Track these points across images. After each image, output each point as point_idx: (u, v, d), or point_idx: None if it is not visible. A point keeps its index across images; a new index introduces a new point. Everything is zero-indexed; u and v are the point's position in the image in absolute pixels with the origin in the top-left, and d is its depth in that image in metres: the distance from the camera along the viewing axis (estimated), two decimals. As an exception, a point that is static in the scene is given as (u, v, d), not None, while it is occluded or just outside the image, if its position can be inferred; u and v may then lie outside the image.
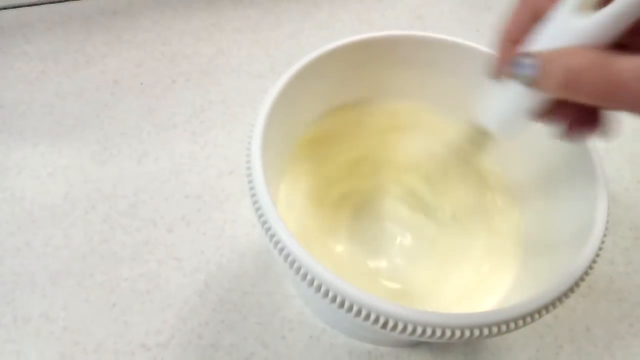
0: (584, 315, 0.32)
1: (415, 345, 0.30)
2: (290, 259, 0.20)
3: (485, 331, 0.20)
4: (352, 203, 0.31)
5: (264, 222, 0.21)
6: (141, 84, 0.42)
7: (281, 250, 0.21)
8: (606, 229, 0.22)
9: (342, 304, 0.19)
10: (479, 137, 0.24)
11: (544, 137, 0.24)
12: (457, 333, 0.19)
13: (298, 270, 0.20)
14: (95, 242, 0.33)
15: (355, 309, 0.19)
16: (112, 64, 0.43)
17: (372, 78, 0.32)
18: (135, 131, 0.39)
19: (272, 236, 0.21)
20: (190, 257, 0.32)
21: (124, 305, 0.30)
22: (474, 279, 0.28)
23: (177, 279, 0.31)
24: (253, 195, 0.22)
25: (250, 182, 0.23)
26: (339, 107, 0.32)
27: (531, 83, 0.18)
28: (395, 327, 0.19)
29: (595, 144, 0.25)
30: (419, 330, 0.19)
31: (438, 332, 0.19)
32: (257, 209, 0.22)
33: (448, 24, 0.49)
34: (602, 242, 0.22)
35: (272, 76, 0.43)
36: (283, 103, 0.26)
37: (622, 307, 0.33)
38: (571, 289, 0.21)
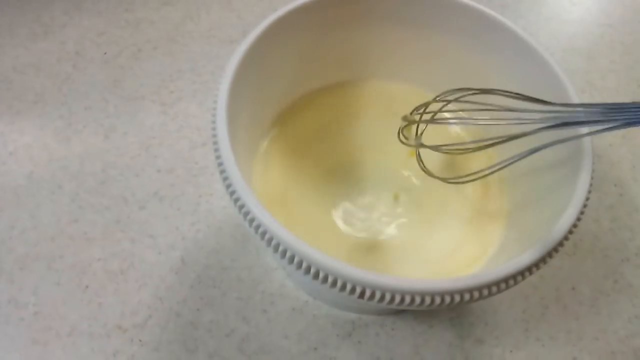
0: (569, 274, 0.32)
1: (400, 312, 0.30)
2: (261, 229, 0.19)
3: (467, 296, 0.19)
4: (334, 174, 0.30)
5: (229, 187, 0.20)
6: (105, 54, 0.39)
7: (251, 220, 0.19)
8: (590, 185, 0.22)
9: (317, 275, 0.19)
10: None
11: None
12: (437, 299, 0.18)
13: (270, 241, 0.19)
14: (63, 222, 0.31)
15: (330, 279, 0.18)
16: (73, 34, 0.40)
17: (354, 43, 0.30)
18: (101, 104, 0.36)
19: (241, 206, 0.20)
20: (164, 234, 0.31)
21: (97, 286, 0.29)
22: (456, 240, 0.28)
23: (152, 257, 0.30)
24: (218, 157, 0.21)
25: (215, 143, 0.21)
26: (322, 88, 0.31)
27: None
28: (372, 296, 0.18)
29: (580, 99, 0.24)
30: (397, 298, 0.18)
31: (417, 299, 0.18)
32: (222, 172, 0.21)
33: None
34: (587, 199, 0.21)
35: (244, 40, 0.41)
36: (252, 65, 0.25)
37: (607, 264, 0.32)
38: (555, 249, 0.20)
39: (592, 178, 0.22)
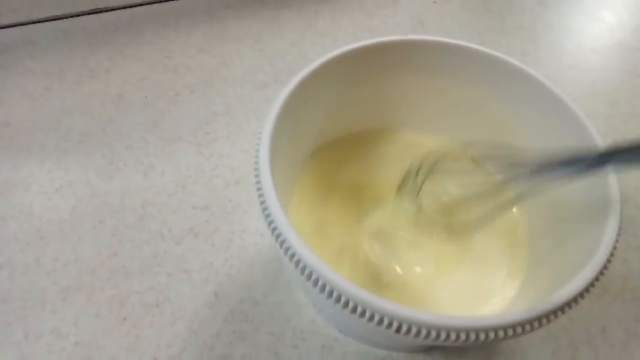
0: (599, 316, 0.32)
1: (429, 350, 0.30)
2: (301, 265, 0.20)
3: (501, 333, 0.19)
4: (363, 210, 0.31)
5: (271, 222, 0.21)
6: (145, 97, 0.42)
7: (292, 255, 0.20)
8: (620, 225, 0.22)
9: (355, 310, 0.19)
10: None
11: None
12: (472, 336, 0.19)
13: (309, 276, 0.20)
14: (104, 256, 0.33)
15: (368, 314, 0.19)
16: (116, 79, 0.43)
17: (384, 92, 0.32)
18: (141, 144, 0.39)
19: (279, 237, 0.21)
20: (199, 269, 0.32)
21: (135, 319, 0.30)
22: (477, 283, 0.28)
23: (186, 291, 0.31)
24: (260, 196, 0.22)
25: (258, 182, 0.23)
26: (352, 134, 0.33)
27: None
28: (409, 330, 0.19)
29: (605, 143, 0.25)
30: (433, 333, 0.19)
31: (452, 336, 0.19)
32: (264, 209, 0.22)
33: (449, 29, 0.49)
34: (616, 241, 0.22)
35: (276, 86, 0.43)
36: (290, 109, 0.26)
37: (638, 306, 0.32)
38: (587, 288, 0.21)
39: (620, 219, 0.22)
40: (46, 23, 0.47)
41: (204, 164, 0.38)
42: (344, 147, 0.33)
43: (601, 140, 0.25)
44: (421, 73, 0.31)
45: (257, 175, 0.23)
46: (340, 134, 0.33)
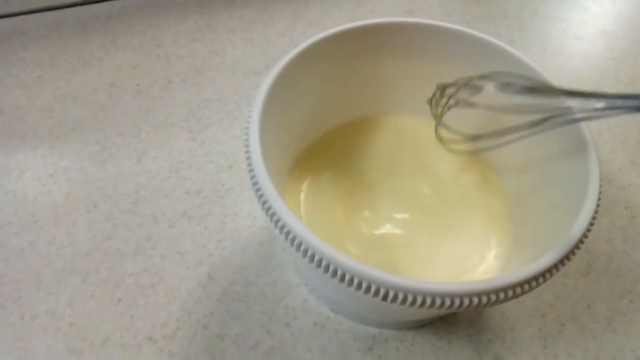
0: (584, 294, 0.33)
1: (419, 327, 0.30)
2: (291, 235, 0.21)
3: (484, 299, 0.20)
4: (356, 192, 0.32)
5: (258, 189, 0.22)
6: (138, 85, 0.42)
7: (282, 228, 0.21)
8: (599, 197, 0.23)
9: (343, 278, 0.20)
10: None
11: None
12: (457, 301, 0.20)
13: (299, 246, 0.21)
14: (98, 239, 0.33)
15: (356, 281, 0.20)
16: (109, 67, 0.43)
17: (374, 77, 0.32)
18: (134, 131, 0.39)
19: (269, 210, 0.21)
20: (192, 251, 0.33)
21: (129, 299, 0.31)
22: (464, 252, 0.29)
23: (180, 272, 0.32)
24: (251, 171, 0.23)
25: (248, 158, 0.23)
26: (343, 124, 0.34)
27: None
28: (395, 297, 0.19)
29: (589, 125, 0.26)
30: (419, 299, 0.19)
31: (438, 301, 0.19)
32: (255, 184, 0.22)
33: (437, 17, 0.49)
34: (597, 205, 0.23)
35: (267, 73, 0.43)
36: (280, 88, 0.27)
37: (622, 284, 0.33)
38: (572, 252, 0.21)
39: (600, 190, 0.23)
40: (38, 14, 0.48)
41: (197, 149, 0.38)
42: (336, 136, 0.34)
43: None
44: (412, 56, 0.32)
45: (246, 139, 0.23)
46: (331, 123, 0.34)
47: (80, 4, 0.49)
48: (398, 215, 0.31)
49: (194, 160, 0.37)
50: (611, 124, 0.42)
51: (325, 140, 0.33)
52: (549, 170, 0.27)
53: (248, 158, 0.23)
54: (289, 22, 0.49)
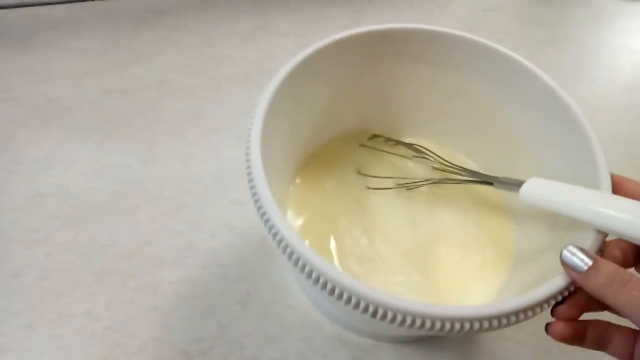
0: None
1: (414, 342, 0.30)
2: (288, 250, 0.20)
3: (476, 325, 0.19)
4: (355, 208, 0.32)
5: (257, 201, 0.22)
6: (186, 85, 0.42)
7: (280, 241, 0.21)
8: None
9: (332, 291, 0.20)
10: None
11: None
12: (447, 325, 0.19)
13: (297, 261, 0.20)
14: (139, 242, 0.33)
15: (353, 300, 0.19)
16: (159, 63, 0.43)
17: (382, 81, 0.32)
18: (181, 132, 0.39)
19: (267, 221, 0.21)
20: (232, 264, 0.32)
21: (166, 309, 0.30)
22: (460, 281, 0.29)
23: (219, 286, 0.31)
24: (249, 174, 0.23)
25: (248, 167, 0.23)
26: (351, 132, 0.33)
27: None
28: (384, 316, 0.19)
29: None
30: (409, 320, 0.19)
31: (428, 323, 0.19)
32: (252, 187, 0.23)
33: (498, 38, 0.48)
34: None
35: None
36: (285, 99, 0.26)
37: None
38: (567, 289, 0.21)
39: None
40: (93, 2, 0.47)
41: (244, 158, 0.37)
42: (334, 151, 0.33)
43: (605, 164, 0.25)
44: (423, 64, 0.31)
45: (247, 147, 0.24)
46: (330, 135, 0.33)
47: (136, -5, 0.48)
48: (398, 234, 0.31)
49: (239, 169, 0.36)
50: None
51: (331, 147, 0.33)
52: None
53: (248, 167, 0.24)
54: (343, 28, 0.48)
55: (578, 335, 0.22)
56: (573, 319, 0.22)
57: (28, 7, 0.46)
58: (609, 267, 0.20)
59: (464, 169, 0.32)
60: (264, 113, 0.25)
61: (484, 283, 0.29)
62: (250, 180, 0.23)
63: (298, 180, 0.32)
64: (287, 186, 0.31)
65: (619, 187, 0.23)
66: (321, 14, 0.49)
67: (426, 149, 0.33)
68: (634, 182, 0.23)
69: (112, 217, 0.34)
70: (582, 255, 0.20)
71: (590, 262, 0.20)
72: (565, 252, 0.21)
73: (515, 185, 0.27)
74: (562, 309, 0.22)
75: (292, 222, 0.30)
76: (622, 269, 0.20)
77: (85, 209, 0.34)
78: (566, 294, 0.21)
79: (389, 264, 0.29)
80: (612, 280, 0.19)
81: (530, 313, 0.20)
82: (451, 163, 0.32)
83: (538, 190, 0.26)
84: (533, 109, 0.29)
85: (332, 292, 0.20)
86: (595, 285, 0.20)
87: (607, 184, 0.23)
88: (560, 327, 0.22)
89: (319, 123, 0.32)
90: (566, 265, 0.21)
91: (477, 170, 0.32)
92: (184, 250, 0.33)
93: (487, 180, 0.30)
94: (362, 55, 0.30)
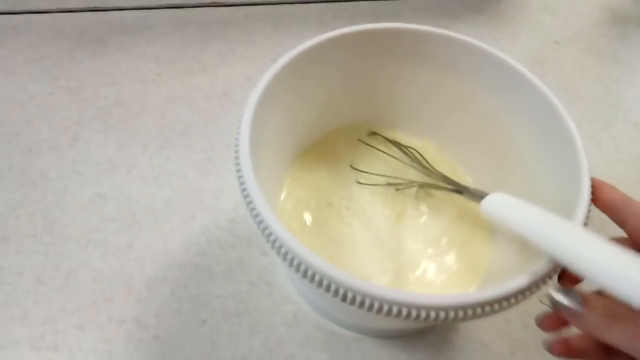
0: None
1: (394, 337, 0.30)
2: (266, 231, 0.22)
3: (460, 313, 0.20)
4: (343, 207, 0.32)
5: (246, 196, 0.23)
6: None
7: (268, 235, 0.22)
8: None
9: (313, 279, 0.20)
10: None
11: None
12: (432, 314, 0.19)
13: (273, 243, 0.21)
14: (191, 252, 0.33)
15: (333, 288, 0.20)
16: (224, 75, 0.44)
17: (379, 78, 0.32)
18: (240, 145, 0.39)
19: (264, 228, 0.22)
20: (281, 284, 0.32)
21: (214, 323, 0.30)
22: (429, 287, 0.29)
23: (266, 305, 0.31)
24: (237, 165, 0.24)
25: (236, 158, 0.24)
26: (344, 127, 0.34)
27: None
28: (380, 309, 0.20)
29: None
30: (395, 309, 0.19)
31: (403, 311, 0.19)
32: (239, 177, 0.23)
33: (569, 73, 0.46)
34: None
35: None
36: (276, 95, 0.28)
37: None
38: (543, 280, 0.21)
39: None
40: (165, 10, 0.49)
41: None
42: (332, 144, 0.34)
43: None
44: (419, 64, 0.31)
45: (236, 140, 0.25)
46: (330, 127, 0.34)
47: (206, 6, 0.49)
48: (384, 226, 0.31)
49: (294, 187, 0.36)
50: None
51: (330, 139, 0.34)
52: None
53: (237, 164, 0.24)
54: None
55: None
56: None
57: (102, 12, 0.48)
58: (602, 304, 0.19)
59: (441, 175, 0.32)
60: (255, 104, 0.27)
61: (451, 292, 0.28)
62: (238, 171, 0.24)
63: (294, 167, 0.33)
64: (282, 172, 0.32)
65: (598, 192, 0.24)
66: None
67: (415, 151, 0.34)
68: (612, 188, 0.24)
69: (167, 225, 0.34)
70: (573, 298, 0.20)
71: (582, 303, 0.20)
72: (556, 298, 0.20)
73: (480, 197, 0.27)
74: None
75: (283, 203, 0.31)
76: (613, 304, 0.19)
77: (141, 213, 0.35)
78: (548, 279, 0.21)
79: (365, 256, 0.29)
80: (608, 318, 0.19)
81: (504, 303, 0.20)
82: (432, 168, 0.33)
83: (499, 205, 0.25)
84: (533, 124, 0.28)
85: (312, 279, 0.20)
86: (591, 325, 0.19)
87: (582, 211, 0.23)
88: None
89: (320, 115, 0.33)
90: (559, 309, 0.20)
91: (463, 181, 0.32)
92: (235, 264, 0.33)
93: (457, 189, 0.31)
94: (368, 52, 0.31)
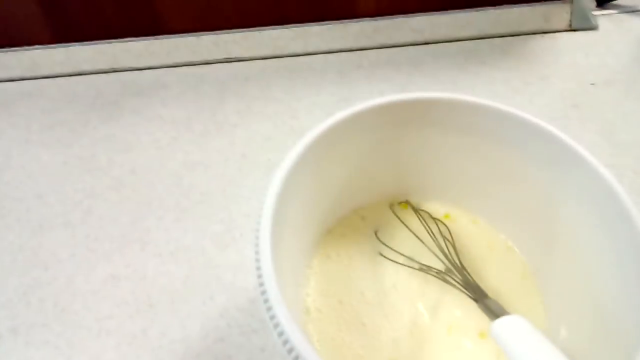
0: None
1: None
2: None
3: None
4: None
5: (268, 309, 0.21)
6: (269, 160, 0.40)
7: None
8: None
9: None
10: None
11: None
12: None
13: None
14: (210, 339, 0.30)
15: None
16: (242, 136, 0.42)
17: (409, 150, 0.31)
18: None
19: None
20: (309, 375, 0.29)
21: None
22: None
23: (294, 401, 0.28)
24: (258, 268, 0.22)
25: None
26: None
27: None
28: None
29: None
30: None
31: None
32: (262, 293, 0.21)
33: (609, 118, 0.43)
34: None
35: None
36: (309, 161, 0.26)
37: None
38: None
39: None
40: (180, 67, 0.48)
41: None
42: (364, 216, 0.32)
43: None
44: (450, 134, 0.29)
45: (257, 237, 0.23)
46: (358, 204, 0.32)
47: (220, 62, 0.48)
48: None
49: (320, 260, 0.34)
50: None
51: (354, 217, 0.32)
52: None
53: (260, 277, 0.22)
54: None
55: None
56: None
57: (116, 73, 0.47)
58: None
59: (464, 272, 0.28)
60: (275, 195, 0.25)
61: None
62: (261, 285, 0.22)
63: (319, 251, 0.31)
64: (306, 257, 0.30)
65: None
66: (408, 84, 0.46)
67: (446, 227, 0.31)
68: None
69: (185, 308, 0.32)
70: None
71: None
72: None
73: (492, 314, 0.25)
74: None
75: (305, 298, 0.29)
76: None
77: (157, 295, 0.32)
78: None
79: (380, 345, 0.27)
80: None
81: None
82: (452, 262, 0.29)
83: (507, 333, 0.23)
84: (587, 204, 0.25)
85: None
86: None
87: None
88: None
89: (346, 191, 0.31)
90: None
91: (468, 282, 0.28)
92: (257, 352, 0.30)
93: (472, 296, 0.27)
94: (397, 122, 0.29)
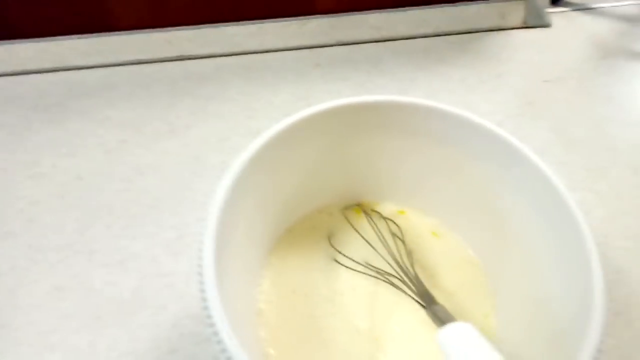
0: None
1: None
2: None
3: None
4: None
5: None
6: (223, 162, 0.39)
7: None
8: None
9: None
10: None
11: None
12: None
13: None
14: (162, 350, 0.29)
15: None
16: (195, 137, 0.40)
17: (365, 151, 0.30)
18: (214, 218, 0.35)
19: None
20: (264, 384, 0.28)
21: None
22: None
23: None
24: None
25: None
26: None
27: None
28: None
29: None
30: None
31: None
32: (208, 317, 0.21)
33: (560, 113, 0.43)
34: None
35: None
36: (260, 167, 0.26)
37: None
38: None
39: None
40: (129, 66, 0.46)
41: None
42: (317, 222, 0.32)
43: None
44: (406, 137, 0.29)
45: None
46: (314, 205, 0.32)
47: (173, 60, 0.47)
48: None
49: (275, 265, 0.33)
50: None
51: (307, 222, 0.32)
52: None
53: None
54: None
55: None
56: None
57: (62, 72, 0.45)
58: None
59: (414, 277, 0.28)
60: (221, 204, 0.24)
61: None
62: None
63: (273, 255, 0.30)
64: (259, 262, 0.29)
65: None
66: (367, 83, 0.46)
67: (397, 227, 0.31)
68: None
69: (134, 319, 0.30)
70: None
71: None
72: None
73: (439, 321, 0.25)
74: None
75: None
76: None
77: (105, 307, 0.31)
78: None
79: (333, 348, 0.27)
80: None
81: None
82: (403, 267, 0.29)
83: (452, 340, 0.23)
84: (529, 198, 0.26)
85: None
86: None
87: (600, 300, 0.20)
88: None
89: (300, 193, 0.31)
90: None
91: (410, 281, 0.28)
92: (210, 363, 0.29)
93: (420, 302, 0.27)
94: (350, 125, 0.29)
